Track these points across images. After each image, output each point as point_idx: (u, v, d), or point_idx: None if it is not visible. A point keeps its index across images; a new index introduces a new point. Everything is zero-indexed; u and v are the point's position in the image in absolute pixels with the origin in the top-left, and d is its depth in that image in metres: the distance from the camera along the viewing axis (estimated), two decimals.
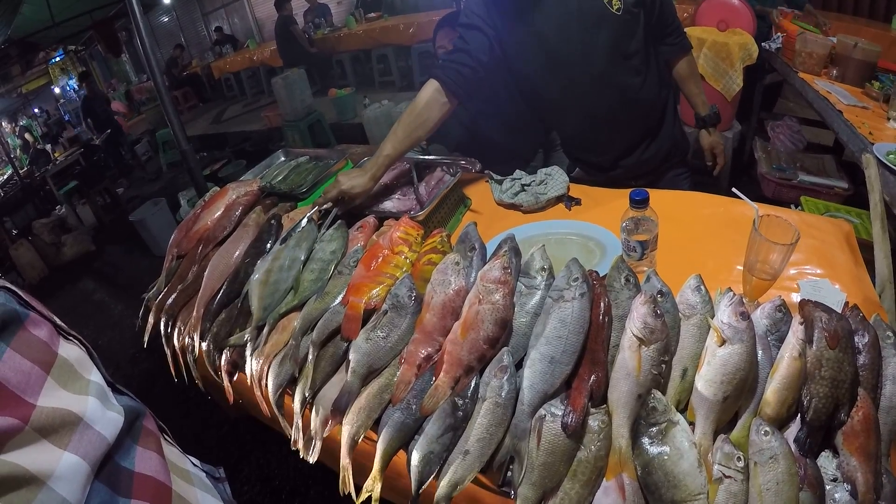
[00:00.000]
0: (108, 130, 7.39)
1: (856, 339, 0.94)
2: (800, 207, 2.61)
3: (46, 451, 0.54)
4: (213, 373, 1.38)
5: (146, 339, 1.55)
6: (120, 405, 0.67)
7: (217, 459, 0.96)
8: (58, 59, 14.63)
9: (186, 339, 1.44)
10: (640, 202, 1.18)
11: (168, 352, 1.50)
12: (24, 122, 13.52)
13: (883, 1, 4.67)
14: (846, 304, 1.05)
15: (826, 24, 3.44)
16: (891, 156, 1.87)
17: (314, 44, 8.37)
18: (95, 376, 0.66)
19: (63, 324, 0.66)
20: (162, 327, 1.51)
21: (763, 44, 3.45)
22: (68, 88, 15.21)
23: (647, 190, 1.20)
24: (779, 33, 3.43)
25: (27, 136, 11.96)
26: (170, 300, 1.53)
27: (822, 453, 0.88)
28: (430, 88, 1.63)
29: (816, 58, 2.86)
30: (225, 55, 10.97)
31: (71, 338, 0.66)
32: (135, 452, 0.65)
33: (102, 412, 0.62)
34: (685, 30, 1.78)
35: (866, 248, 1.44)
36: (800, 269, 1.25)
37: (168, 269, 1.65)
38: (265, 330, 1.31)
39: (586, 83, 1.65)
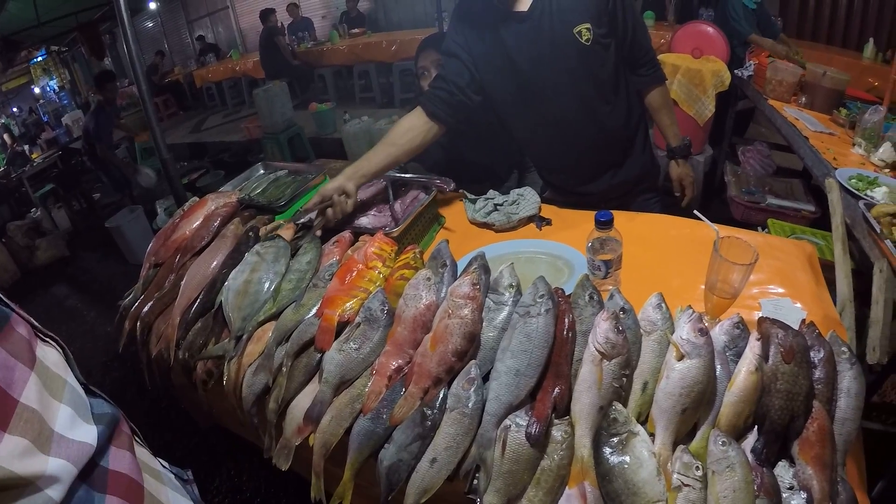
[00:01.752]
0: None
1: (811, 354, 0.97)
2: (766, 230, 2.68)
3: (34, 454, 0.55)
4: (187, 381, 1.38)
5: (121, 345, 1.55)
6: (96, 411, 0.69)
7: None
8: (39, 58, 14.40)
9: (161, 348, 1.44)
10: (604, 223, 1.23)
11: (143, 359, 1.50)
12: (4, 120, 13.23)
13: (856, 30, 4.84)
14: (803, 321, 1.09)
15: (799, 53, 3.56)
16: (852, 180, 1.92)
17: (297, 56, 8.39)
18: (71, 379, 0.68)
19: (39, 325, 0.67)
20: (137, 335, 1.50)
21: (735, 71, 3.56)
22: (48, 89, 14.99)
23: (614, 212, 1.24)
24: (751, 61, 3.54)
25: (6, 136, 11.69)
26: (146, 308, 1.52)
27: (780, 463, 0.91)
28: (415, 116, 1.72)
29: (786, 85, 2.96)
30: (207, 64, 10.91)
31: (48, 339, 0.67)
32: (109, 451, 0.67)
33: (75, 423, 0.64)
34: (660, 56, 1.82)
35: (829, 269, 1.49)
36: (762, 289, 1.29)
37: (145, 277, 1.65)
38: (244, 338, 1.32)
39: (555, 110, 1.69)
